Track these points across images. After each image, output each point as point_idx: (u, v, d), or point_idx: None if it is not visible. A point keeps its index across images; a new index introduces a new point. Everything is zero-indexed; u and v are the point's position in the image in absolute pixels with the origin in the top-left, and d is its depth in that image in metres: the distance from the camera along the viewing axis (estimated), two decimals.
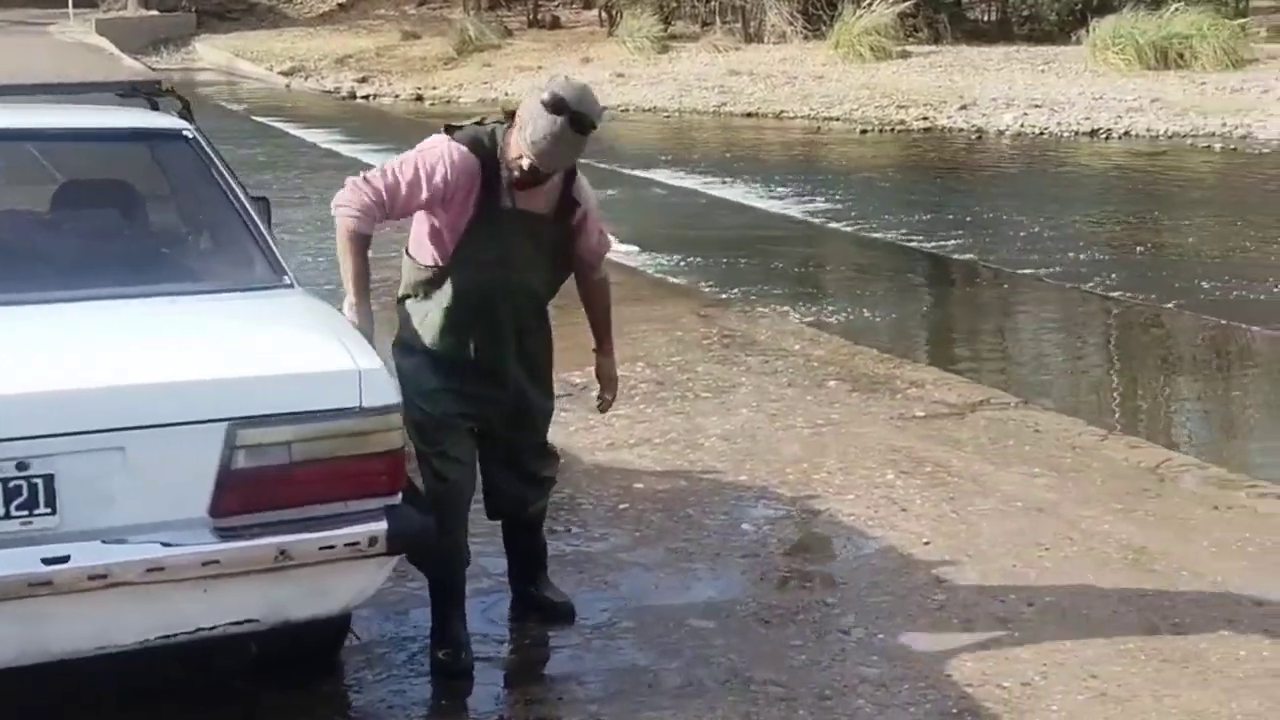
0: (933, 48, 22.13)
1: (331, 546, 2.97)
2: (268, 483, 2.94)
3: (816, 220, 11.85)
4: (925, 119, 17.85)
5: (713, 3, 25.26)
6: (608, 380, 3.88)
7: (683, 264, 9.86)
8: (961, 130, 17.26)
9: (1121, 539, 4.43)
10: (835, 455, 5.28)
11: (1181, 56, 19.17)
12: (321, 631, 3.32)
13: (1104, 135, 16.41)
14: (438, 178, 3.41)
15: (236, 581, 2.93)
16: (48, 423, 2.80)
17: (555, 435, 3.94)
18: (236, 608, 2.96)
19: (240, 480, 2.91)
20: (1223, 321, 8.02)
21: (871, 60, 21.21)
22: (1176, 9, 19.82)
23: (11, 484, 2.77)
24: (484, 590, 3.99)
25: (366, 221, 3.40)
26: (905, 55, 21.52)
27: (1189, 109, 16.95)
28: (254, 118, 19.82)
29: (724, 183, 13.68)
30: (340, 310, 3.39)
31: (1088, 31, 20.31)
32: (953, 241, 10.62)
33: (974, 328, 8.74)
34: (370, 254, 3.59)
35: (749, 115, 19.34)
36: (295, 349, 3.12)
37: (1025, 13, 23.76)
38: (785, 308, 8.31)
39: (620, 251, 10.07)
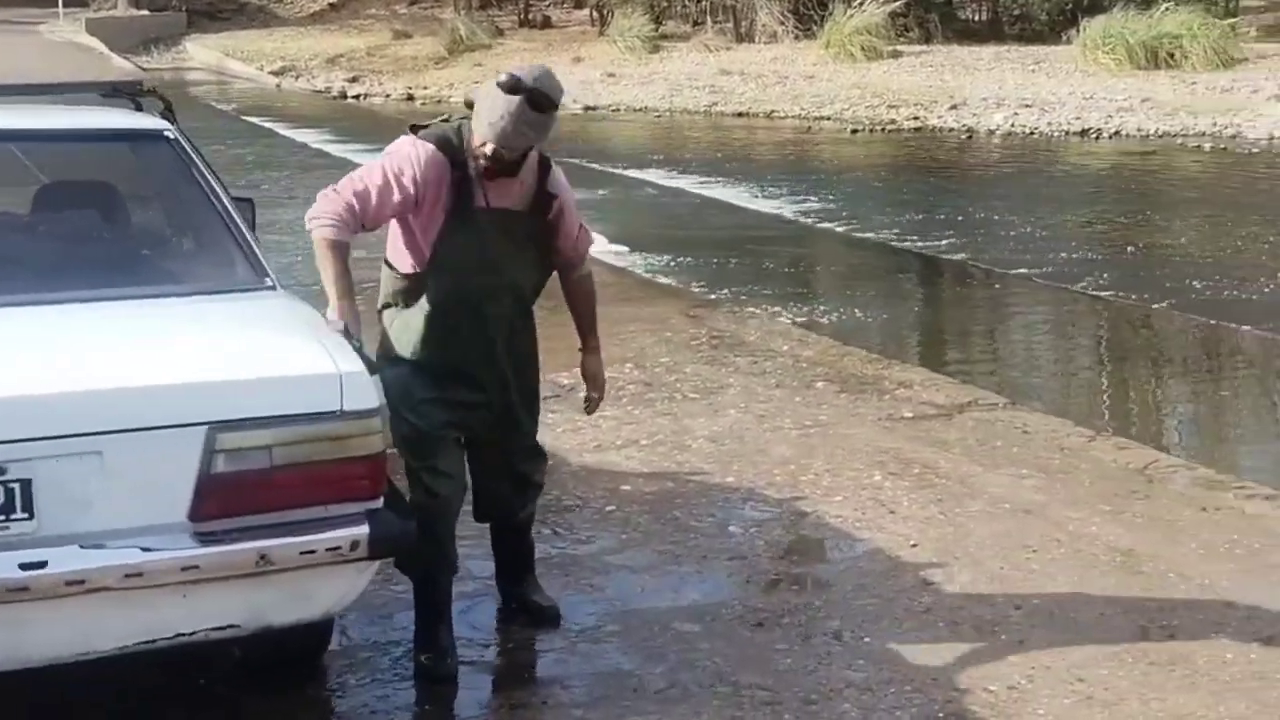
0: (924, 47, 22.12)
1: (312, 551, 2.95)
2: (248, 487, 2.92)
3: (807, 220, 11.83)
4: (916, 119, 17.84)
5: (704, 2, 25.25)
6: (593, 378, 3.82)
7: (672, 264, 9.84)
8: (952, 130, 17.25)
9: (1109, 541, 4.41)
10: (823, 457, 5.26)
11: (1172, 56, 19.18)
12: (304, 636, 3.30)
13: (1094, 135, 16.41)
14: (406, 179, 3.37)
15: (217, 586, 2.91)
16: (25, 427, 2.77)
17: (542, 437, 3.91)
18: (217, 613, 2.94)
19: (220, 484, 2.89)
20: (1211, 321, 8.02)
21: (862, 60, 21.20)
22: (1167, 9, 19.83)
23: None
24: (469, 594, 3.97)
25: (342, 230, 3.34)
26: (896, 55, 21.52)
27: (1179, 109, 16.97)
28: (244, 118, 19.76)
29: (714, 182, 13.66)
30: (324, 314, 3.35)
31: (1078, 31, 20.32)
32: (943, 241, 10.61)
33: (964, 328, 8.73)
34: (354, 253, 3.57)
35: (740, 115, 19.31)
36: (276, 352, 3.08)
37: (1016, 12, 23.75)
38: (775, 308, 8.29)
39: (610, 251, 10.07)
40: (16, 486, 2.77)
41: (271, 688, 3.48)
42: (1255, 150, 15.01)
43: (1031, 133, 16.76)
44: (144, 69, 26.22)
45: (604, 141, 17.49)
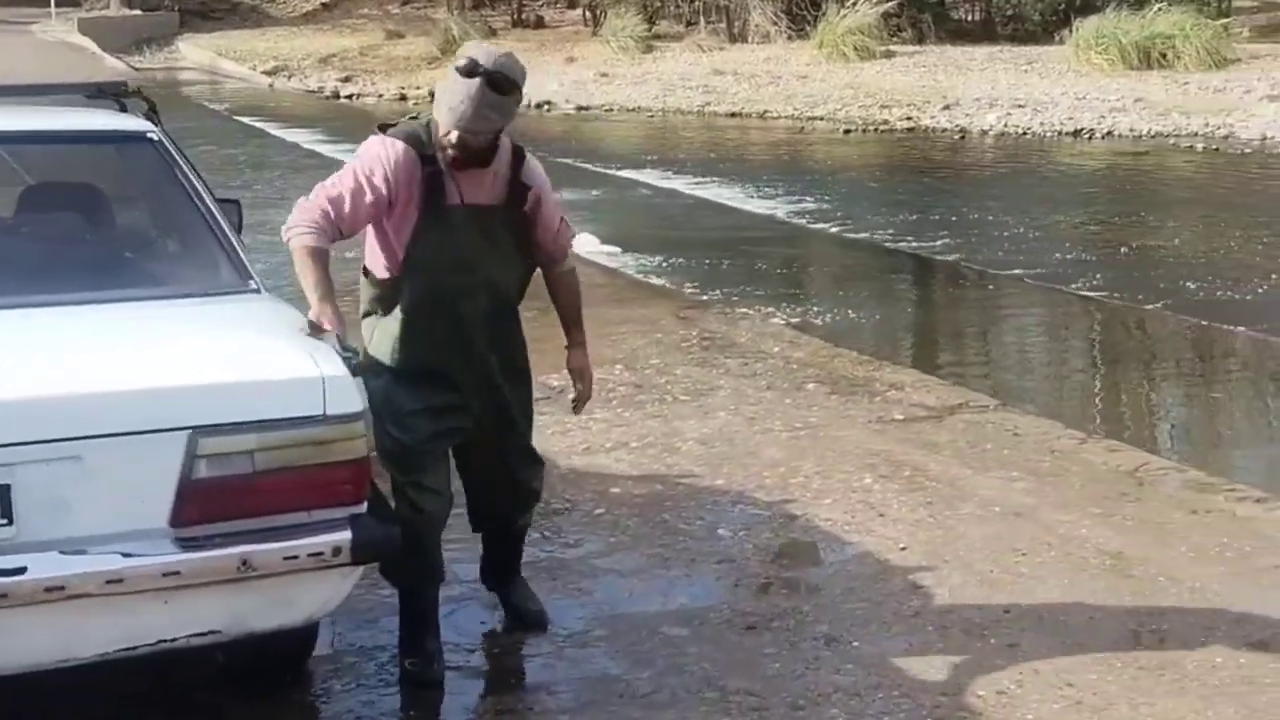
0: (916, 48, 22.13)
1: (295, 557, 2.92)
2: (230, 492, 2.89)
3: (800, 221, 11.82)
4: (909, 119, 17.85)
5: (697, 2, 25.23)
6: (579, 373, 3.72)
7: (665, 265, 9.82)
8: (945, 130, 17.26)
9: (1099, 544, 4.40)
10: (813, 459, 5.24)
11: (1164, 56, 19.20)
12: (288, 641, 3.27)
13: (1087, 135, 16.42)
14: (377, 179, 3.31)
15: (198, 593, 2.88)
16: (4, 431, 2.74)
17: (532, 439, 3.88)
18: (198, 619, 2.91)
19: (201, 489, 2.87)
20: (1204, 323, 8.01)
21: (855, 60, 21.20)
22: (1159, 9, 19.85)
23: None
24: (455, 597, 3.94)
25: (320, 237, 3.27)
26: (889, 55, 21.52)
27: (1172, 109, 16.98)
28: (236, 117, 19.73)
29: (707, 183, 13.64)
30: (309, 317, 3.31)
31: (1071, 31, 20.34)
32: (937, 242, 10.59)
33: (957, 329, 8.72)
34: (347, 253, 3.54)
35: (733, 115, 19.31)
36: (258, 355, 3.05)
37: (1009, 13, 23.77)
38: (767, 309, 8.28)
39: (602, 252, 10.06)
40: None
41: (255, 693, 3.45)
42: (1248, 151, 15.02)
43: (1024, 133, 16.76)
44: (136, 69, 26.20)
45: (596, 141, 17.47)
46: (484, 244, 3.42)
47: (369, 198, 3.31)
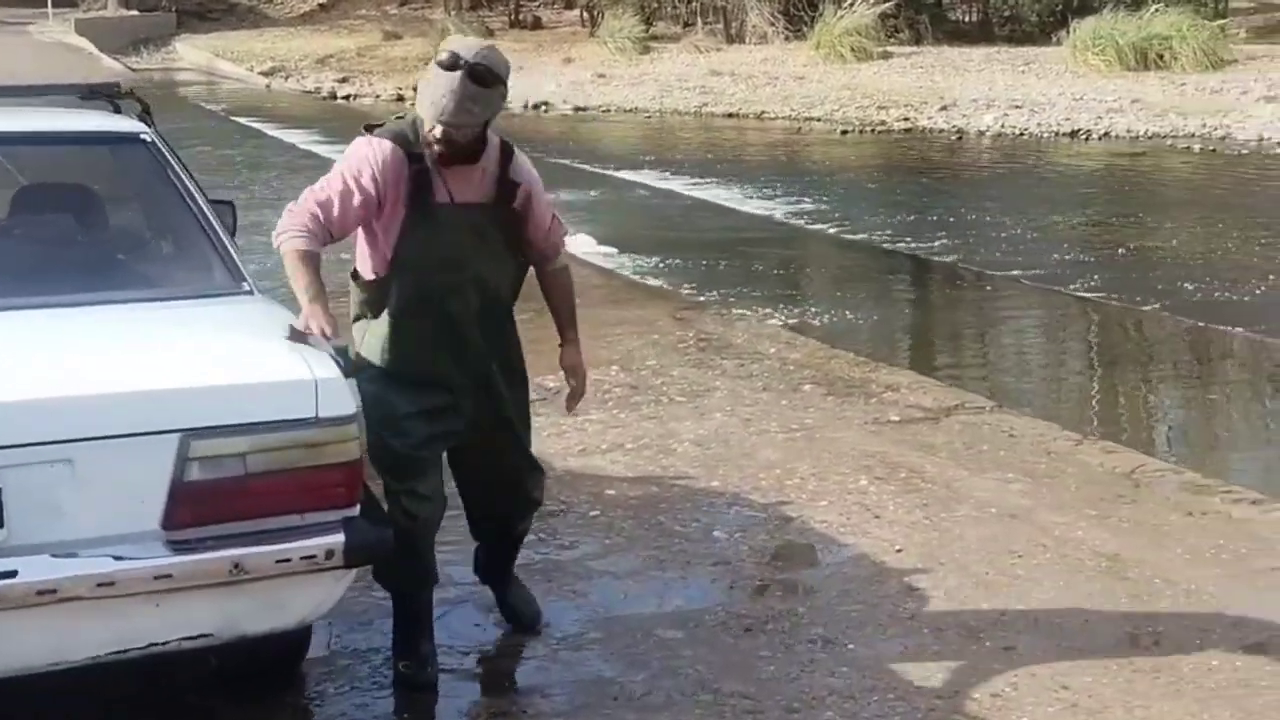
0: (914, 48, 22.13)
1: (287, 560, 2.91)
2: (222, 495, 2.88)
3: (797, 221, 11.81)
4: (906, 120, 17.84)
5: (694, 3, 25.23)
6: (572, 370, 3.67)
7: (661, 266, 9.81)
8: (942, 131, 17.25)
9: (1095, 546, 4.39)
10: (809, 460, 5.23)
11: (1161, 58, 19.20)
12: (281, 644, 3.26)
13: (1084, 136, 16.42)
14: (365, 180, 3.29)
15: (190, 596, 2.87)
16: None
17: None
18: (190, 622, 2.90)
19: (193, 492, 2.85)
20: (1200, 324, 8.00)
21: (853, 61, 21.20)
22: (1156, 10, 19.86)
23: None
24: (450, 599, 3.93)
25: (311, 240, 3.25)
26: (886, 56, 21.52)
27: (1169, 110, 16.98)
28: (233, 118, 19.71)
29: (705, 184, 13.64)
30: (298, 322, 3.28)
31: (1068, 32, 20.34)
32: (934, 243, 10.58)
33: (954, 330, 8.71)
34: (340, 254, 3.52)
35: (730, 116, 19.31)
36: (251, 358, 3.04)
37: (1006, 14, 23.77)
38: (764, 310, 8.27)
39: (599, 253, 10.05)
40: None
41: (247, 696, 3.44)
42: (1244, 151, 15.02)
43: (1021, 134, 16.76)
44: (133, 69, 26.17)
45: (594, 142, 17.46)
46: (473, 242, 3.39)
47: (358, 199, 3.29)
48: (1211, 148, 15.28)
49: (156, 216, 3.73)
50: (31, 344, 3.07)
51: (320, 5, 32.29)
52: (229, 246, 3.57)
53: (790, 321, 8.02)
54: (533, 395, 3.82)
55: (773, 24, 23.66)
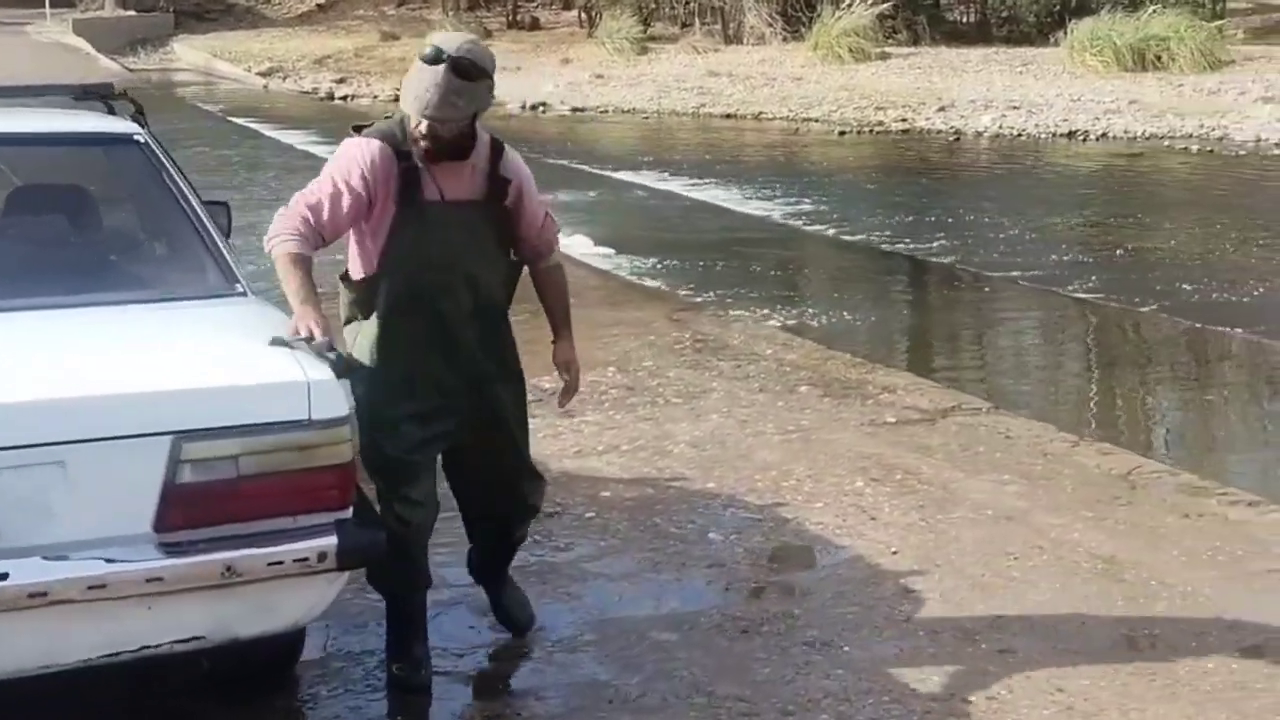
0: (911, 49, 22.13)
1: (280, 562, 2.90)
2: (214, 497, 2.87)
3: (795, 222, 11.80)
4: (904, 120, 17.84)
5: (692, 4, 25.24)
6: (565, 365, 3.61)
7: (659, 267, 9.80)
8: (940, 132, 17.25)
9: (1091, 548, 4.38)
10: (805, 462, 5.23)
11: (1159, 58, 19.21)
12: (274, 647, 3.25)
13: (1082, 137, 16.42)
14: (355, 180, 3.26)
15: (182, 598, 2.86)
16: None
17: None
18: (182, 625, 2.89)
19: (185, 495, 2.84)
20: (1198, 325, 8.00)
21: (850, 62, 21.20)
22: (1154, 11, 19.87)
23: None
24: (444, 601, 3.92)
25: (302, 244, 3.23)
26: (884, 57, 21.52)
27: (1166, 111, 16.98)
28: (230, 119, 19.69)
29: (702, 184, 13.63)
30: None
31: (1066, 33, 20.35)
32: (933, 244, 10.57)
33: (951, 332, 8.70)
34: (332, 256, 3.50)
35: (728, 116, 19.30)
36: (243, 359, 3.03)
37: (1004, 14, 23.78)
38: (762, 311, 8.27)
39: (596, 254, 10.04)
40: None
41: (239, 699, 3.43)
42: (1242, 152, 15.02)
43: (1019, 135, 16.76)
44: (131, 70, 26.16)
45: (592, 143, 17.45)
46: (464, 240, 3.35)
47: (348, 200, 3.27)
48: (1209, 148, 15.28)
49: (150, 218, 3.72)
50: (23, 346, 3.06)
51: (318, 6, 32.29)
52: (222, 248, 3.56)
53: (788, 322, 8.01)
54: (530, 397, 3.79)
55: (770, 25, 23.66)
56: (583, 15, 27.39)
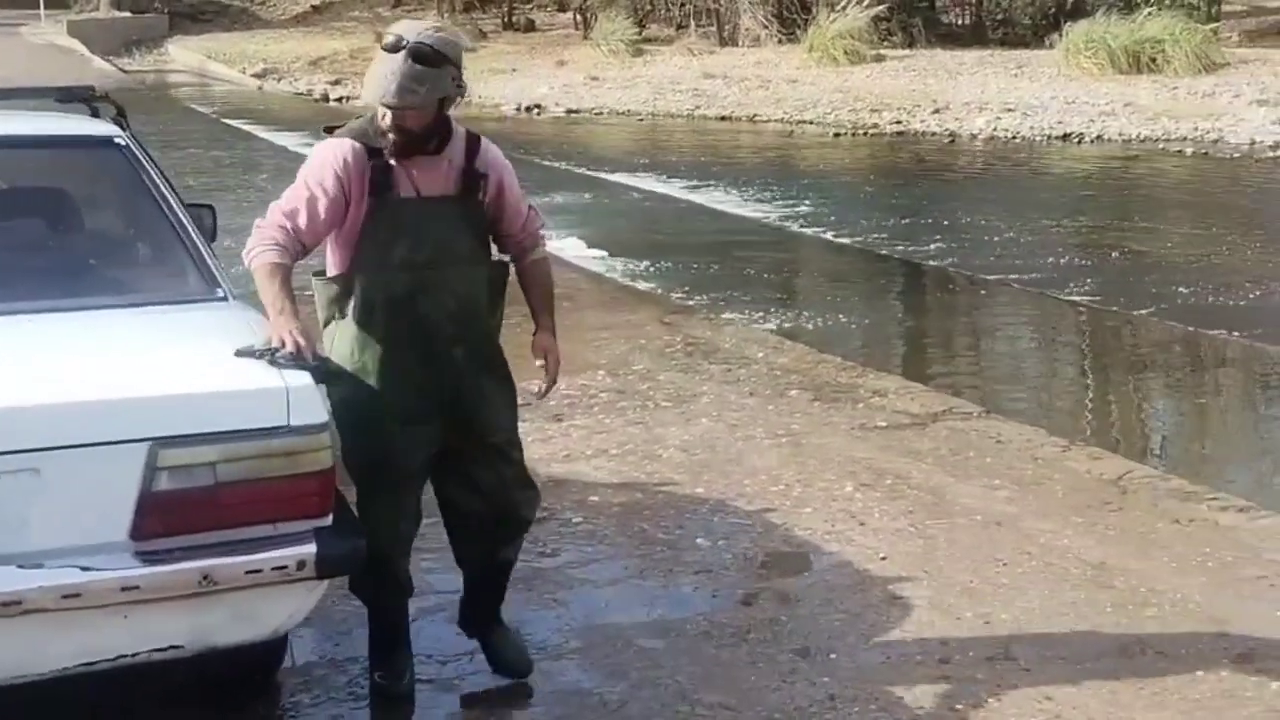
0: (907, 52, 22.14)
1: (258, 571, 2.87)
2: (191, 505, 2.84)
3: (789, 225, 11.79)
4: (898, 123, 17.84)
5: (687, 6, 25.24)
6: (545, 352, 3.46)
7: (652, 269, 9.78)
8: (934, 134, 17.26)
9: (1080, 554, 4.35)
10: (794, 467, 5.20)
11: (1154, 61, 19.22)
12: (255, 655, 3.21)
13: (1076, 139, 16.43)
14: (329, 183, 3.19)
15: (159, 607, 2.83)
16: None
17: None
18: (159, 634, 2.86)
19: (162, 502, 2.81)
20: (1191, 329, 7.98)
21: (845, 64, 21.21)
22: (1149, 13, 19.89)
23: None
24: (428, 609, 3.89)
25: (282, 253, 3.16)
26: (879, 59, 21.53)
27: (1161, 113, 16.98)
28: (224, 120, 19.67)
29: (696, 186, 13.61)
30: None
31: (1061, 36, 20.37)
32: (928, 247, 10.56)
33: (944, 335, 8.67)
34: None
35: (723, 119, 19.30)
36: (222, 365, 2.99)
37: (999, 17, 23.81)
38: (755, 314, 8.25)
39: (588, 256, 10.02)
40: None
41: (220, 706, 3.39)
42: (1236, 155, 15.03)
43: (1014, 137, 16.76)
44: (125, 71, 26.14)
45: (586, 145, 17.44)
46: (442, 237, 3.26)
47: (324, 203, 3.20)
48: (1204, 151, 15.28)
49: (130, 221, 3.69)
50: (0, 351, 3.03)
51: (313, 7, 32.27)
52: (204, 251, 3.53)
53: (783, 325, 7.99)
54: (519, 400, 3.70)
55: (766, 27, 23.66)
56: (578, 17, 27.38)
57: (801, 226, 11.70)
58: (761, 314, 8.31)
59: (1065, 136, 16.51)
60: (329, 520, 2.97)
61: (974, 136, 16.98)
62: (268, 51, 27.29)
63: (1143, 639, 3.79)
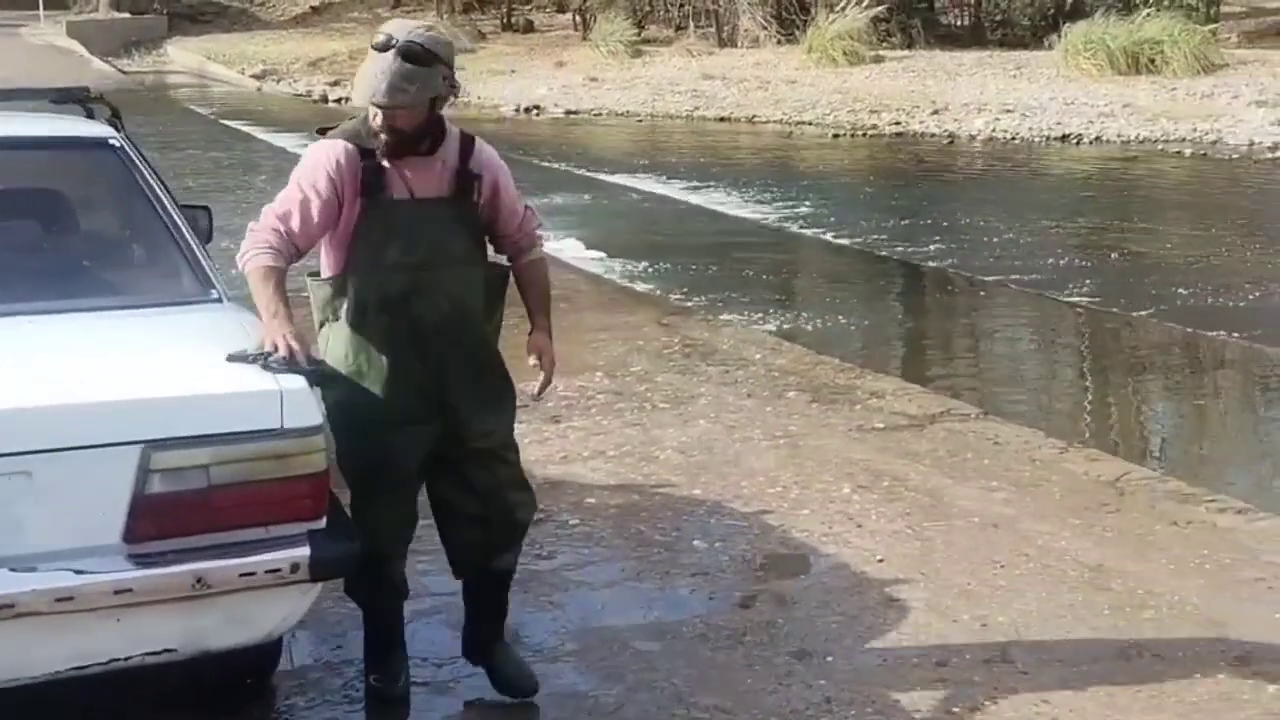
0: (906, 52, 22.13)
1: (251, 573, 2.86)
2: (184, 507, 2.83)
3: (788, 225, 11.78)
4: (897, 124, 17.83)
5: (686, 7, 25.23)
6: (540, 351, 3.41)
7: (650, 271, 9.77)
8: (934, 135, 17.24)
9: (1078, 556, 4.34)
10: (792, 468, 5.19)
11: (1153, 62, 19.21)
12: (248, 658, 3.21)
13: (1075, 140, 16.42)
14: (322, 184, 3.17)
15: (152, 610, 2.82)
16: None
17: None
18: (152, 638, 2.85)
19: (155, 505, 2.81)
20: (1189, 330, 7.97)
21: (844, 65, 21.20)
22: (1148, 14, 19.88)
23: None
24: (424, 611, 3.88)
25: (276, 256, 3.14)
26: (878, 60, 21.52)
27: (1160, 114, 16.97)
28: (223, 121, 19.66)
29: (695, 187, 13.61)
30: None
31: (1060, 37, 20.35)
32: (926, 248, 10.55)
33: (943, 336, 8.65)
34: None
35: (722, 120, 19.29)
36: (215, 367, 2.97)
37: (998, 18, 23.81)
38: (754, 315, 8.25)
39: (587, 257, 10.01)
40: None
41: (215, 710, 3.38)
42: (1235, 156, 15.02)
43: (1013, 138, 16.75)
44: (124, 72, 26.13)
45: (585, 146, 17.43)
46: (436, 239, 3.23)
47: (317, 205, 3.18)
48: (1202, 152, 15.27)
49: (124, 222, 3.68)
50: None
51: (312, 8, 32.27)
52: (198, 253, 3.52)
53: (782, 327, 7.99)
54: (516, 402, 3.67)
55: (765, 28, 23.66)
56: (577, 18, 27.38)
57: (800, 227, 11.69)
58: (760, 315, 8.30)
59: (1064, 137, 16.51)
60: (323, 523, 2.97)
61: (973, 137, 16.97)
62: (267, 52, 27.28)
63: (1140, 641, 3.78)
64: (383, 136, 3.16)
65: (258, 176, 14.02)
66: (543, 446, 5.39)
